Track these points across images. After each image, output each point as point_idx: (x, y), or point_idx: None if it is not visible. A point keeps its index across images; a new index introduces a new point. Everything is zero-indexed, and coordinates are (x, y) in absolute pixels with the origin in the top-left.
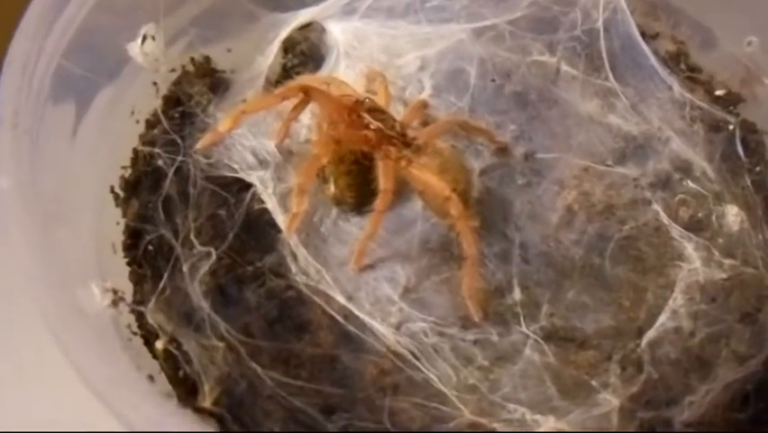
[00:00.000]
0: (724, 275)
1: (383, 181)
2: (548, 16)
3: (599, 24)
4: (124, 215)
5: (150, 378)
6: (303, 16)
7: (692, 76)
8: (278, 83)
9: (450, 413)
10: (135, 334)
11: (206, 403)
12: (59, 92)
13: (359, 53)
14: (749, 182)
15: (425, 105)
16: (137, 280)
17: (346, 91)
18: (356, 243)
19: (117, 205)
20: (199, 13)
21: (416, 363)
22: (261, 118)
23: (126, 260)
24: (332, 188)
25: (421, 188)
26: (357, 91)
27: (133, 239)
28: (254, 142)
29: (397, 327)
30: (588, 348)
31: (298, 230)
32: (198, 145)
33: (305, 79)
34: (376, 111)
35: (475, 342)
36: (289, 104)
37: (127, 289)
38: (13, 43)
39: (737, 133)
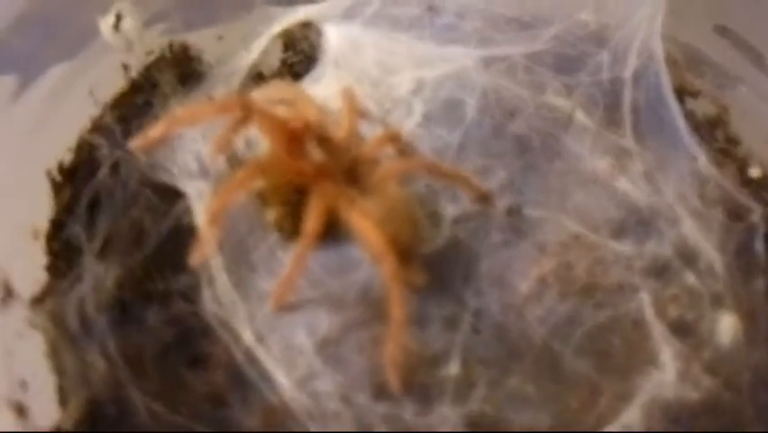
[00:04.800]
0: (696, 395)
1: (308, 222)
2: (572, 54)
3: (628, 73)
4: (55, 202)
5: (23, 383)
6: (300, 13)
7: (726, 148)
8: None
9: None
10: None
11: (66, 424)
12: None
13: (350, 64)
14: (762, 287)
15: (392, 138)
16: (51, 273)
17: (309, 110)
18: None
19: (53, 190)
20: None
21: (308, 425)
22: (220, 120)
23: (44, 250)
24: (271, 215)
25: (358, 235)
26: (323, 111)
27: (55, 230)
28: (203, 146)
29: (301, 383)
30: None
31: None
32: (130, 145)
33: (274, 87)
34: (324, 140)
35: (383, 416)
36: None
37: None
38: None
39: (762, 226)
